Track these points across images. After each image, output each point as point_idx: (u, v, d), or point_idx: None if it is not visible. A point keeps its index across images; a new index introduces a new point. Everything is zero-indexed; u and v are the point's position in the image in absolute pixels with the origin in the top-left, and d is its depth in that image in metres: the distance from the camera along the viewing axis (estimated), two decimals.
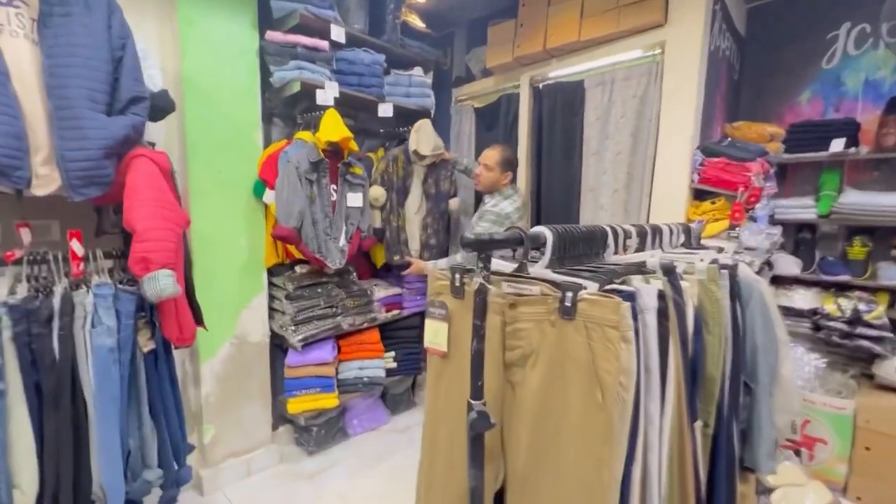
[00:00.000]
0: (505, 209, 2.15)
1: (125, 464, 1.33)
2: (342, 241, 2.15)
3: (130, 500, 1.38)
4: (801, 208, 2.19)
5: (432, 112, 2.57)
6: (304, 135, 2.05)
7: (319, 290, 2.22)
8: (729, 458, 1.01)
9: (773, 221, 2.17)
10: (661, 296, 0.75)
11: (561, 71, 2.42)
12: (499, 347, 0.81)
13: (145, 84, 1.37)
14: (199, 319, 1.54)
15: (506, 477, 0.86)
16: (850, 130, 2.06)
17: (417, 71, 2.52)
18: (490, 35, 2.64)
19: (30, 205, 1.31)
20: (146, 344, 1.37)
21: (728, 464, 1.01)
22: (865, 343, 1.94)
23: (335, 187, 2.14)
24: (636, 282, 0.77)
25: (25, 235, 1.29)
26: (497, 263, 0.88)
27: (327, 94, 2.08)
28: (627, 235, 1.08)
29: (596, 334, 0.70)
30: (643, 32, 2.06)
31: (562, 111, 2.43)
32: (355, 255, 2.26)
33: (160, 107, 1.51)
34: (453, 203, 2.63)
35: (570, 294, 0.71)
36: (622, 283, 0.78)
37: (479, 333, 0.77)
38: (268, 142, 2.13)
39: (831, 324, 2.02)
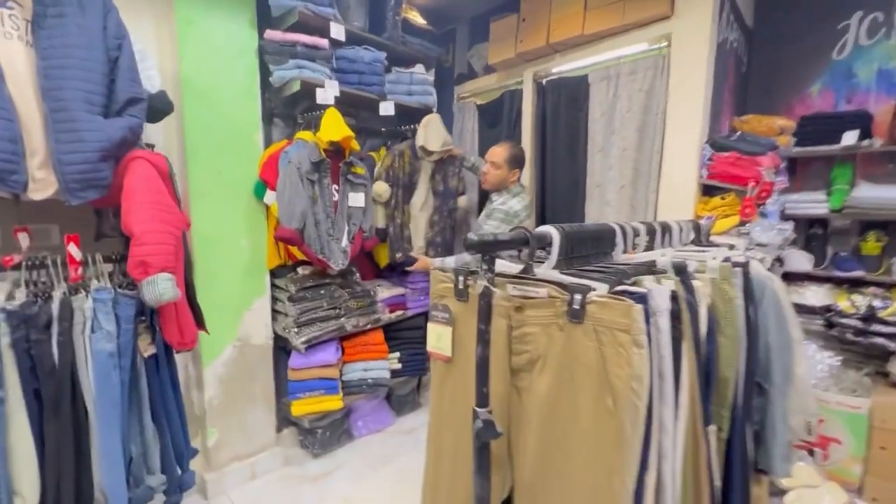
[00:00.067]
0: (513, 207, 2.12)
1: (127, 470, 1.32)
2: (344, 242, 2.13)
3: None
4: (813, 203, 2.13)
5: (434, 110, 2.54)
6: (304, 135, 2.02)
7: (322, 292, 2.20)
8: (743, 462, 0.98)
9: (783, 217, 2.12)
10: (674, 297, 0.72)
11: (565, 66, 2.38)
12: (505, 352, 0.79)
13: (143, 85, 1.36)
14: (200, 323, 1.53)
15: (513, 484, 0.84)
16: (863, 122, 2.00)
17: (419, 68, 2.48)
18: (492, 30, 2.61)
19: (28, 209, 1.30)
20: (147, 348, 1.36)
21: (743, 469, 0.98)
22: (880, 340, 1.89)
23: (337, 187, 2.12)
24: (647, 282, 0.75)
25: (24, 240, 1.27)
26: (502, 264, 0.86)
27: (328, 92, 2.05)
28: (636, 234, 1.04)
29: (606, 338, 0.67)
30: (649, 25, 2.02)
31: (566, 107, 2.39)
32: (358, 255, 2.24)
33: (159, 108, 1.49)
34: (462, 201, 2.60)
35: (578, 296, 0.69)
36: (633, 283, 0.76)
37: (483, 338, 0.74)
38: (268, 142, 2.11)
39: (845, 321, 1.97)
